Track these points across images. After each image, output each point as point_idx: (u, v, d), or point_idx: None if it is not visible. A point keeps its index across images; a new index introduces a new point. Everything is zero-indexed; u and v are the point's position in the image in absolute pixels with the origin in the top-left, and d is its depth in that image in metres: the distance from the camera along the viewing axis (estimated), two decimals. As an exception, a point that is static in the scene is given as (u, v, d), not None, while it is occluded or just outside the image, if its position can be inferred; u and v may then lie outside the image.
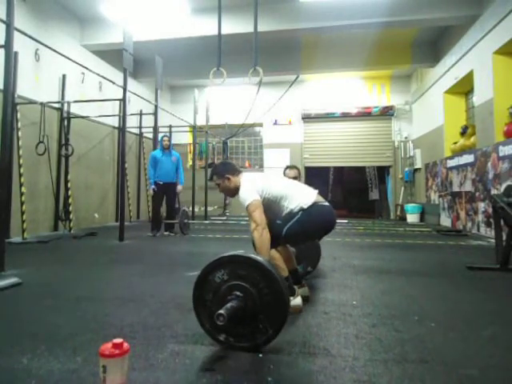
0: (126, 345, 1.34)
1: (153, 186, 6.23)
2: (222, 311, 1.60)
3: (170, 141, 6.44)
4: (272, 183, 2.45)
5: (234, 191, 2.50)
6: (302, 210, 2.36)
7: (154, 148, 6.98)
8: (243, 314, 1.69)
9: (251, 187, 2.37)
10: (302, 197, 2.42)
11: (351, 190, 13.92)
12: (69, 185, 6.83)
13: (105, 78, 5.78)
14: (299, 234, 2.39)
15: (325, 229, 2.51)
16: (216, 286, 1.78)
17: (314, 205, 2.39)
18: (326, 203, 2.50)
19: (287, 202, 2.40)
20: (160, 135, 6.82)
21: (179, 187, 6.51)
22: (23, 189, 5.70)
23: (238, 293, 1.72)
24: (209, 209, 10.00)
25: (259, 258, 1.81)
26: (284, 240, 2.38)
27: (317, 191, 2.54)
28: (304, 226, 2.35)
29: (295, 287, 2.37)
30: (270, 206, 2.40)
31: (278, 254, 2.36)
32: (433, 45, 8.79)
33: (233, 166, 2.58)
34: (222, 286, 1.76)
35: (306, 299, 2.49)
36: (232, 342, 1.75)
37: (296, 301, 2.30)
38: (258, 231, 2.23)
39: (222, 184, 2.51)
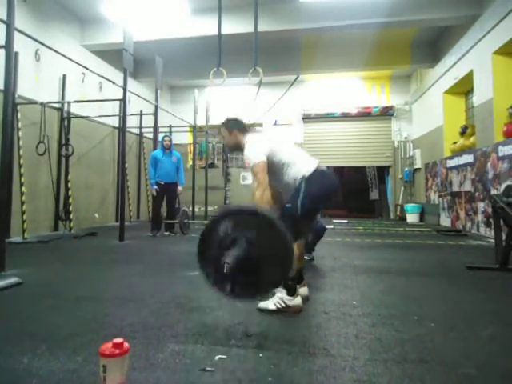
0: (126, 344, 1.35)
1: (155, 187, 6.20)
2: (228, 259, 1.65)
3: (170, 141, 6.43)
4: (279, 148, 2.45)
5: (234, 146, 2.62)
6: (304, 178, 2.34)
7: (155, 148, 6.97)
8: (249, 262, 1.76)
9: (259, 148, 2.39)
10: (304, 164, 2.41)
11: (351, 190, 13.92)
12: (69, 185, 6.83)
13: (105, 78, 5.78)
14: (311, 209, 2.39)
15: (329, 195, 2.49)
16: (220, 238, 1.84)
17: (316, 171, 2.38)
18: (325, 168, 2.52)
19: (290, 168, 2.40)
20: (161, 135, 6.81)
21: (180, 188, 6.49)
22: (23, 189, 5.70)
23: (242, 243, 1.80)
24: (209, 209, 10.00)
25: (260, 208, 1.91)
26: (302, 219, 2.35)
27: (318, 160, 2.53)
28: (312, 199, 2.33)
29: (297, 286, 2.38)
30: (274, 170, 2.40)
31: (298, 250, 2.34)
32: (432, 45, 8.80)
33: (243, 125, 2.65)
34: (226, 238, 1.82)
35: (306, 299, 2.49)
36: (238, 291, 1.79)
37: (296, 300, 2.31)
38: (259, 191, 2.26)
39: (227, 137, 2.61)
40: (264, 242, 1.80)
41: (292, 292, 2.29)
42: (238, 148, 2.58)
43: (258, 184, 2.29)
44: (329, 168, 12.86)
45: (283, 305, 2.28)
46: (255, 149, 2.40)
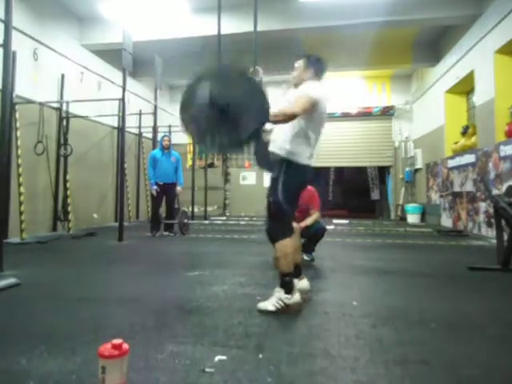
0: (125, 345, 1.33)
1: (154, 187, 6.18)
2: (205, 111, 2.01)
3: (169, 141, 6.40)
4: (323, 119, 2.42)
5: (297, 83, 2.46)
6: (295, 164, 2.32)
7: (154, 148, 6.95)
8: (227, 112, 1.98)
9: (320, 92, 2.32)
10: (308, 154, 2.39)
11: (351, 190, 13.92)
12: (68, 185, 6.81)
13: (104, 77, 5.78)
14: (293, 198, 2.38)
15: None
16: (201, 97, 2.05)
17: (303, 167, 2.37)
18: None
19: (304, 139, 2.36)
20: (160, 135, 6.79)
21: (179, 188, 6.45)
22: (22, 189, 5.68)
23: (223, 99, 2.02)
24: (209, 209, 10.00)
25: (239, 69, 2.13)
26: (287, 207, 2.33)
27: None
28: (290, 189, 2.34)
29: (296, 280, 2.36)
30: (305, 129, 2.33)
31: (294, 245, 2.36)
32: (433, 44, 8.78)
33: (322, 70, 2.52)
34: (206, 97, 2.04)
35: (306, 292, 2.47)
36: (218, 142, 2.00)
37: (295, 298, 2.28)
38: (288, 113, 2.19)
39: (299, 71, 2.49)
40: (239, 92, 2.01)
41: (289, 290, 2.27)
42: (297, 83, 2.45)
43: (293, 108, 2.20)
44: (330, 168, 12.88)
45: (282, 304, 2.26)
46: (317, 90, 2.30)
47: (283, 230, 2.31)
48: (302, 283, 2.45)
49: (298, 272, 2.47)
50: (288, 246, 2.29)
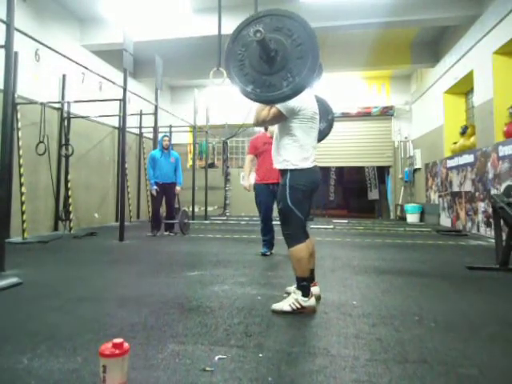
0: (125, 344, 1.35)
1: (154, 187, 6.20)
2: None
3: (169, 141, 6.42)
4: (312, 123, 2.42)
5: None
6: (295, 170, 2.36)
7: (154, 148, 6.97)
8: (275, 57, 1.84)
9: (295, 104, 2.29)
10: (306, 155, 2.41)
11: (351, 190, 13.93)
12: (69, 185, 6.83)
13: (105, 78, 5.78)
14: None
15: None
16: (250, 39, 1.90)
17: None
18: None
19: (295, 142, 2.37)
20: (160, 135, 6.81)
21: (177, 188, 6.48)
22: (23, 189, 5.70)
23: (272, 41, 1.88)
24: (209, 209, 10.01)
25: (294, 13, 1.94)
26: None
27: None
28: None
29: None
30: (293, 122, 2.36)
31: (308, 250, 2.38)
32: (433, 45, 8.79)
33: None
34: (253, 41, 1.89)
35: (318, 298, 2.50)
36: (259, 92, 1.83)
37: (311, 301, 2.31)
38: (264, 117, 2.30)
39: None
40: (293, 44, 1.87)
41: (306, 293, 2.30)
42: None
43: (269, 116, 2.30)
44: (329, 168, 12.88)
45: (298, 306, 2.27)
46: (292, 101, 2.28)
47: (297, 235, 2.35)
48: (313, 289, 2.46)
49: (311, 278, 2.49)
50: (302, 251, 2.32)
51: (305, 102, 2.34)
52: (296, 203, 2.32)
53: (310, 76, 1.87)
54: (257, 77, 1.88)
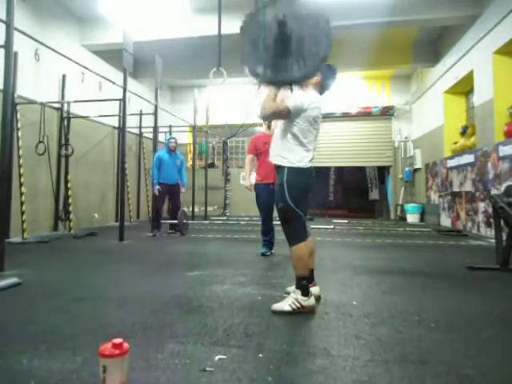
0: (125, 345, 1.34)
1: (157, 187, 6.24)
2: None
3: (176, 143, 6.50)
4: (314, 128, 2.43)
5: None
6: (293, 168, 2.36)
7: (154, 148, 6.97)
8: (290, 41, 1.88)
9: (304, 103, 2.31)
10: (306, 155, 2.41)
11: (351, 190, 13.93)
12: (69, 185, 6.83)
13: (105, 78, 5.77)
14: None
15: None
16: (265, 23, 1.95)
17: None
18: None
19: (297, 144, 2.38)
20: (160, 135, 6.85)
21: (182, 189, 6.56)
22: (23, 189, 5.69)
23: (285, 27, 1.92)
24: (209, 209, 10.01)
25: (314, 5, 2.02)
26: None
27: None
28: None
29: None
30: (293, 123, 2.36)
31: (308, 249, 2.38)
32: (433, 45, 8.79)
33: (330, 79, 2.48)
34: (271, 23, 1.93)
35: (317, 298, 2.49)
36: (269, 74, 1.90)
37: (310, 301, 2.31)
38: (272, 109, 2.27)
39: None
40: (305, 31, 1.92)
41: (306, 292, 2.30)
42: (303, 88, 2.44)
43: (278, 109, 2.27)
44: (329, 168, 12.88)
45: (298, 305, 2.27)
46: (302, 100, 2.30)
47: (297, 234, 2.35)
48: (313, 289, 2.46)
49: (311, 278, 2.49)
50: (303, 249, 2.33)
51: (313, 104, 2.35)
52: (295, 201, 2.33)
53: (319, 66, 1.93)
54: (268, 58, 1.93)
